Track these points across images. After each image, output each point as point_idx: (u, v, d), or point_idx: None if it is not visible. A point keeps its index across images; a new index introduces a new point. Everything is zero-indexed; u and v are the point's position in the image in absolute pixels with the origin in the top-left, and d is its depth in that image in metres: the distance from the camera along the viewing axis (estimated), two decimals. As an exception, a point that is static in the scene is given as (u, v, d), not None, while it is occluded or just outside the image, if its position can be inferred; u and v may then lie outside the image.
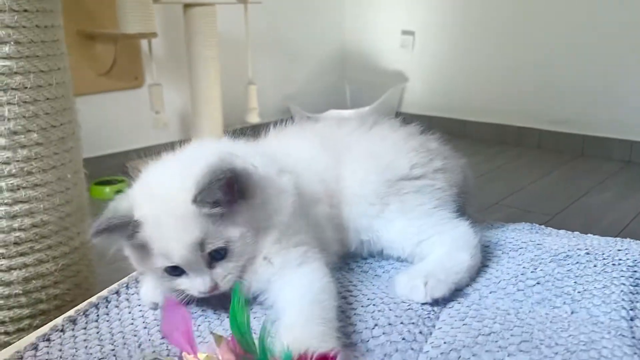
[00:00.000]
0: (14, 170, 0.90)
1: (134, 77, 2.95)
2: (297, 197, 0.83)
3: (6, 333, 0.94)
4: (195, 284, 0.76)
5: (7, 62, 0.86)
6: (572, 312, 0.81)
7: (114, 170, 2.74)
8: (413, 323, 0.78)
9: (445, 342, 0.73)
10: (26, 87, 0.89)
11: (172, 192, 0.75)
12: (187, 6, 2.84)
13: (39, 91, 0.90)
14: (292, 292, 0.75)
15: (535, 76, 3.18)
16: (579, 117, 3.09)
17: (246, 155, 0.81)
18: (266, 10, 3.24)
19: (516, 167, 2.92)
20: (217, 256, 0.76)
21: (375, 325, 0.77)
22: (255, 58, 3.09)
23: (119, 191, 2.54)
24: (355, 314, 0.79)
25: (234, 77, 3.05)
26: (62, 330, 0.79)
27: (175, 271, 0.77)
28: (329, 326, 0.70)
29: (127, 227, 0.75)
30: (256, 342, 0.59)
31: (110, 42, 2.70)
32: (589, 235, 1.05)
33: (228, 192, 0.74)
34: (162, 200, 0.75)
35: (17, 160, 0.90)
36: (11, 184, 0.90)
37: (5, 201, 0.90)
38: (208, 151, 0.80)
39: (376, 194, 0.91)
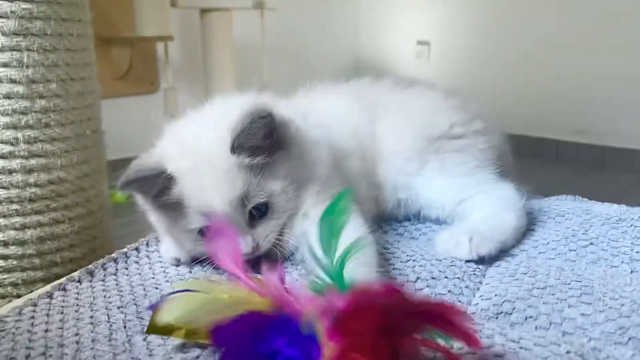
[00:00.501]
0: (31, 122, 0.85)
1: (149, 81, 2.93)
2: (331, 150, 0.78)
3: (18, 296, 0.88)
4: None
5: (28, 5, 0.82)
6: (631, 271, 0.74)
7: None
8: (458, 278, 0.71)
9: (496, 295, 0.67)
10: (46, 34, 0.85)
11: (208, 144, 0.69)
12: (203, 11, 2.84)
13: (59, 40, 0.86)
14: None
15: (553, 86, 3.13)
16: (597, 128, 3.03)
17: (277, 107, 0.76)
18: (282, 18, 3.24)
19: (534, 179, 2.85)
20: (258, 213, 0.70)
21: (418, 278, 0.70)
22: (270, 64, 3.07)
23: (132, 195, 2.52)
24: (394, 268, 0.73)
25: (249, 82, 3.03)
26: (79, 281, 0.74)
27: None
28: (371, 270, 0.64)
29: (158, 181, 0.69)
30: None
31: (126, 46, 2.69)
32: (637, 207, 0.99)
33: (266, 138, 0.68)
34: (199, 152, 0.69)
35: (35, 111, 0.85)
36: (28, 135, 0.85)
37: (22, 154, 0.85)
38: (239, 102, 0.74)
39: (414, 150, 0.86)
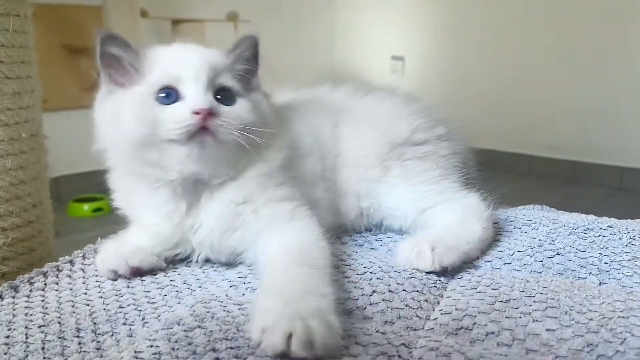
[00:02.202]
0: (-42, 123, 0.78)
1: (118, 92, 2.85)
2: (288, 152, 0.76)
3: (-61, 315, 0.80)
4: (195, 99, 0.67)
5: (-43, -4, 0.76)
6: (600, 283, 0.70)
7: (94, 186, 2.60)
8: (417, 291, 0.66)
9: (457, 309, 0.62)
10: (-23, 28, 0.78)
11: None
12: (175, 22, 2.80)
13: (-8, 34, 0.80)
14: (277, 244, 0.66)
15: (526, 102, 3.15)
16: (569, 143, 3.05)
17: None
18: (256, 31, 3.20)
19: (506, 193, 2.85)
20: (224, 99, 0.70)
21: (374, 292, 0.65)
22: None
23: (97, 209, 2.41)
24: (349, 281, 0.68)
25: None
26: (0, 297, 0.66)
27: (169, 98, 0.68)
28: (320, 272, 0.61)
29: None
30: None
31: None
32: (605, 217, 0.95)
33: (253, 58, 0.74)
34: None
35: (-37, 111, 0.78)
36: (-46, 137, 0.78)
37: (-53, 158, 0.78)
38: None
39: (376, 156, 0.82)
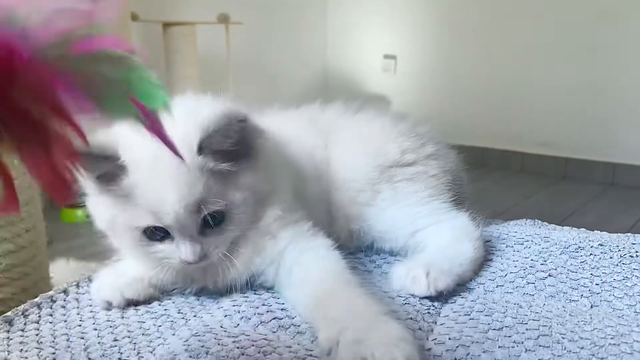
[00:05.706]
0: (-51, 152, 0.77)
1: (109, 96, 2.83)
2: (292, 172, 0.76)
3: None
4: (183, 251, 0.65)
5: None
6: (591, 306, 0.71)
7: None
8: (411, 319, 0.67)
9: (450, 338, 0.62)
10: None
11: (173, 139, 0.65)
12: (166, 25, 2.77)
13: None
14: (313, 267, 0.68)
15: (518, 99, 3.16)
16: (561, 140, 3.06)
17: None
18: (248, 32, 3.18)
19: (499, 190, 2.86)
20: (212, 221, 0.66)
21: (368, 321, 0.65)
22: (237, 79, 3.00)
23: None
24: (343, 310, 0.68)
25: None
26: (-6, 333, 0.66)
27: (158, 234, 0.65)
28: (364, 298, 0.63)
29: (105, 164, 0.61)
30: None
31: (84, 59, 2.60)
32: (597, 231, 0.96)
33: (238, 144, 0.64)
34: (160, 146, 0.64)
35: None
36: (-55, 167, 0.77)
37: (-62, 187, 0.77)
38: (208, 102, 0.70)
39: (367, 180, 0.82)
